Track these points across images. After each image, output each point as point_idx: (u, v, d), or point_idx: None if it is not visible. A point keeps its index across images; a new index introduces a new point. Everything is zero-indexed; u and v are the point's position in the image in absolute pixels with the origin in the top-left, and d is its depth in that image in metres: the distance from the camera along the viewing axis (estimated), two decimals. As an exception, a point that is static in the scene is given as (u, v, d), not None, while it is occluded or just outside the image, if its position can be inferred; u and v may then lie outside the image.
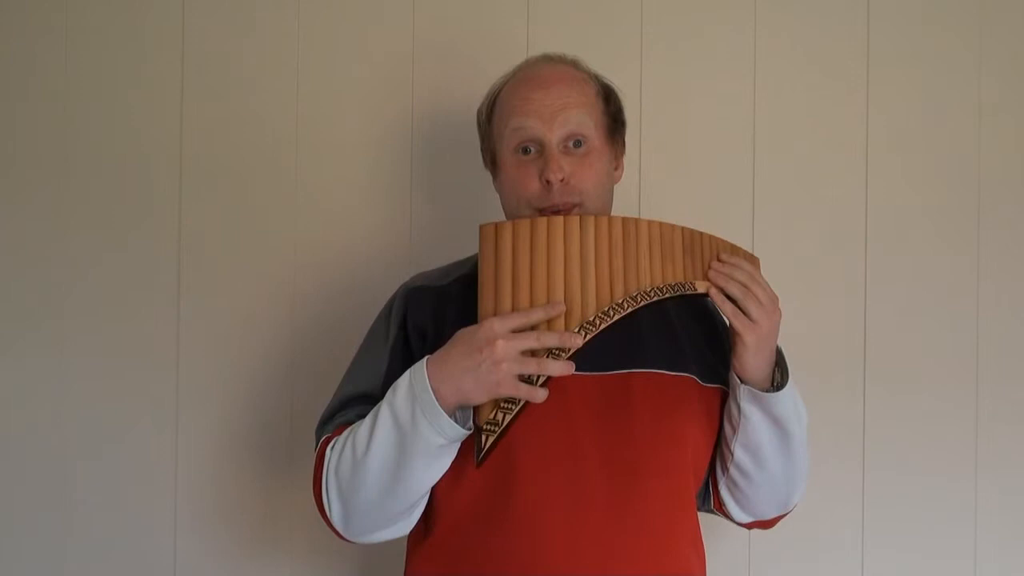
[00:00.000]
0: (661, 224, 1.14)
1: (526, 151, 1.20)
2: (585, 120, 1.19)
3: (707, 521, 1.32)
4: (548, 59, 1.26)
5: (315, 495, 1.17)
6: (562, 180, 1.17)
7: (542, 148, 1.19)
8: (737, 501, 1.27)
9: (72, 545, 1.64)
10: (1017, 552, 1.63)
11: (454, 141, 1.63)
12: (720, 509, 1.30)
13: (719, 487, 1.27)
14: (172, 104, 1.67)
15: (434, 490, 1.17)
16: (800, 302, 1.63)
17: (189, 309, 1.65)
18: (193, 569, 1.64)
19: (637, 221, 1.12)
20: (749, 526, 1.32)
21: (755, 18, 1.67)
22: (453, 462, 1.12)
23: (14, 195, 1.66)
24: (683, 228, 1.15)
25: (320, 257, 1.65)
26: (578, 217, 1.11)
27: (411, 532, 1.21)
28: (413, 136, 1.66)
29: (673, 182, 1.65)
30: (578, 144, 1.19)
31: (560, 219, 1.10)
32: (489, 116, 1.27)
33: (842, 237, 1.66)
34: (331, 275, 1.65)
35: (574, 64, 1.26)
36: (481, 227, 1.11)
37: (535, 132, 1.19)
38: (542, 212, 1.18)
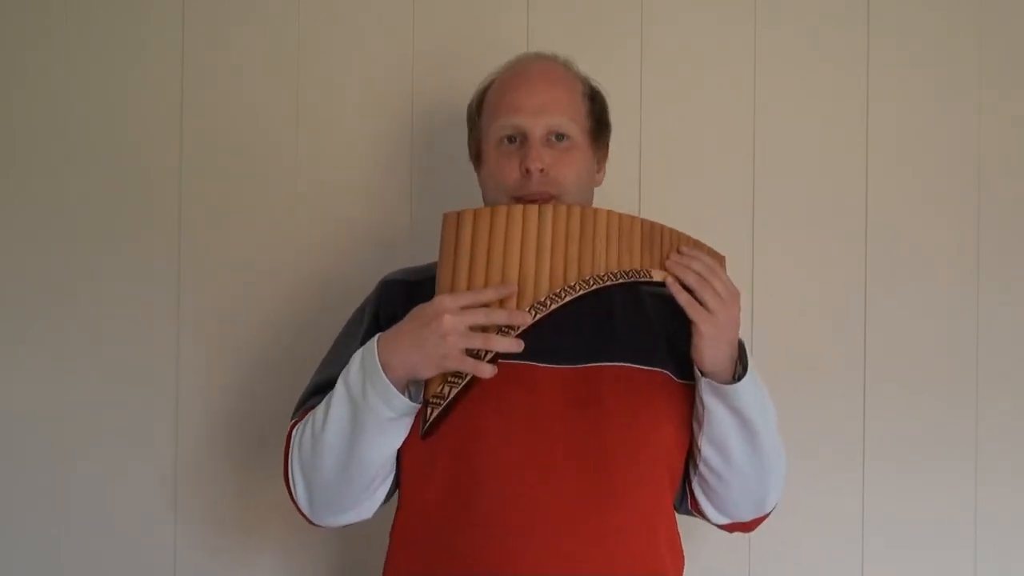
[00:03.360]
0: (620, 215, 1.15)
1: (510, 140, 1.22)
2: (567, 122, 1.22)
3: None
4: (539, 57, 1.29)
5: (284, 478, 1.19)
6: (541, 170, 1.19)
7: (525, 138, 1.21)
8: (711, 500, 1.26)
9: (71, 543, 1.64)
10: (1017, 552, 1.63)
11: (454, 140, 1.62)
12: (696, 510, 1.29)
13: (692, 487, 1.27)
14: (172, 103, 1.67)
15: (404, 482, 1.18)
16: (800, 302, 1.63)
17: (189, 307, 1.65)
18: (193, 565, 1.64)
19: (596, 211, 1.14)
20: (728, 528, 1.30)
21: (755, 17, 1.67)
22: (422, 455, 1.15)
23: (14, 194, 1.67)
24: (643, 220, 1.16)
25: (320, 256, 1.65)
26: (537, 206, 1.13)
27: (392, 525, 1.22)
28: (413, 135, 1.67)
29: (673, 181, 1.65)
30: (560, 138, 1.22)
31: (520, 207, 1.13)
32: (478, 110, 1.29)
33: (842, 237, 1.66)
34: (331, 274, 1.65)
35: (564, 64, 1.28)
36: (444, 215, 1.14)
37: (520, 123, 1.21)
38: (519, 201, 1.19)
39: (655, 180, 1.65)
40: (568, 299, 1.11)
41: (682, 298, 1.13)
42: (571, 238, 1.12)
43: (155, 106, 1.67)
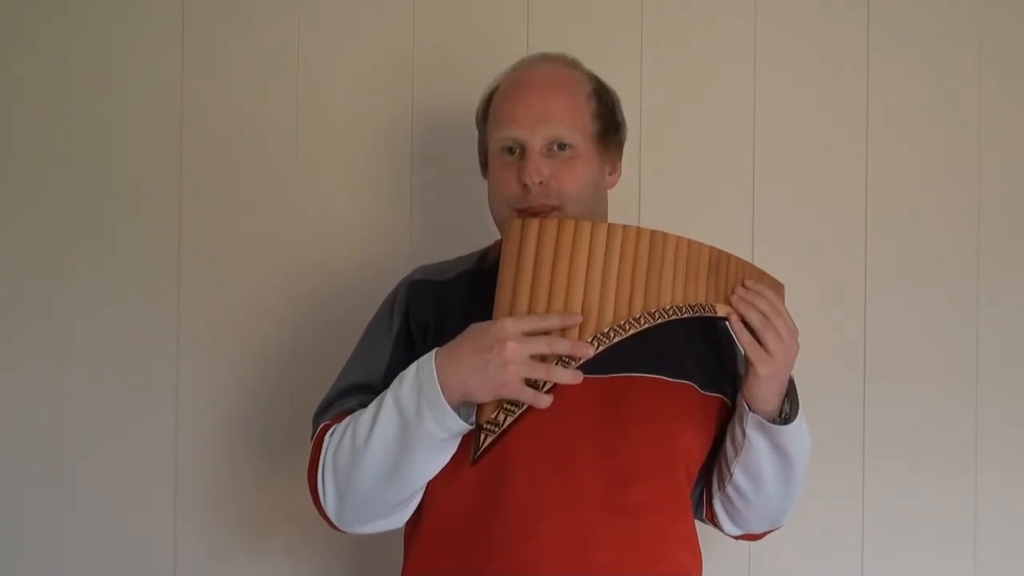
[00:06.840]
0: (690, 241, 1.12)
1: (511, 151, 1.20)
2: (569, 132, 1.19)
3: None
4: (543, 59, 1.25)
5: (310, 482, 1.16)
6: (540, 183, 1.17)
7: (523, 150, 1.18)
8: (730, 516, 1.28)
9: (71, 543, 1.64)
10: (1017, 552, 1.63)
11: (454, 141, 1.63)
12: (711, 520, 1.31)
13: (713, 501, 1.27)
14: (172, 103, 1.67)
15: (429, 485, 1.16)
16: (800, 302, 1.62)
17: (189, 307, 1.65)
18: (193, 565, 1.64)
19: (665, 236, 1.10)
20: (737, 538, 1.33)
21: (755, 17, 1.67)
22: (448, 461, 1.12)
23: (14, 193, 1.67)
24: (711, 248, 1.13)
25: (319, 257, 1.65)
26: (606, 224, 1.09)
27: (408, 528, 1.21)
28: (413, 135, 1.67)
29: (673, 182, 1.65)
30: (562, 147, 1.19)
31: (588, 224, 1.09)
32: (484, 115, 1.26)
33: (842, 236, 1.66)
34: (330, 275, 1.65)
35: (571, 64, 1.25)
36: (511, 222, 1.10)
37: (518, 136, 1.19)
38: (520, 213, 1.17)
39: (655, 180, 1.65)
40: (632, 332, 1.07)
41: (744, 339, 1.12)
42: (639, 264, 1.08)
43: (155, 107, 1.67)
